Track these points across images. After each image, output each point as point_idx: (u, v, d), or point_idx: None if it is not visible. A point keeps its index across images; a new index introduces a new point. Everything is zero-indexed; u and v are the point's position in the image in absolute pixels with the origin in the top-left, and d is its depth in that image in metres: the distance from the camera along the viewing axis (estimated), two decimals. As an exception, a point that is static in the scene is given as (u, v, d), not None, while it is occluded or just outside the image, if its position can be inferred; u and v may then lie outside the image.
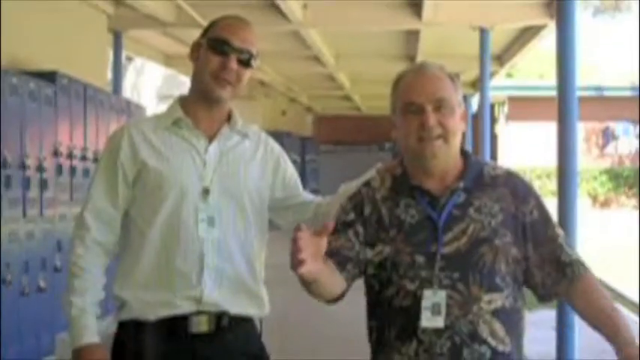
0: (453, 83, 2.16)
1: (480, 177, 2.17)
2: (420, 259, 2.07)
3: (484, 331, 2.04)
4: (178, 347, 2.31)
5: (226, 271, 2.34)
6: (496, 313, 2.06)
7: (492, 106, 19.86)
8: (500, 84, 17.37)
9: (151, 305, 2.30)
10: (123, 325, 2.37)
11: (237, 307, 2.36)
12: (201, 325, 2.31)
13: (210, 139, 2.39)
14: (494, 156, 19.96)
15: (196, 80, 2.40)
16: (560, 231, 2.19)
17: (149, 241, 2.32)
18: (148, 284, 2.31)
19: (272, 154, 2.50)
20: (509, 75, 18.68)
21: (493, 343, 2.05)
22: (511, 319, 2.10)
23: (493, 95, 13.35)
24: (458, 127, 2.13)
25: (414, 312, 2.05)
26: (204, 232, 2.32)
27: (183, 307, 2.30)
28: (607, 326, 2.05)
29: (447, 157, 2.13)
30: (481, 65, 9.05)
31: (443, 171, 2.14)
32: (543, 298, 2.18)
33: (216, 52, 2.34)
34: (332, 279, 2.08)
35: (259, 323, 2.46)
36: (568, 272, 2.13)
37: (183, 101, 2.43)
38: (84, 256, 2.32)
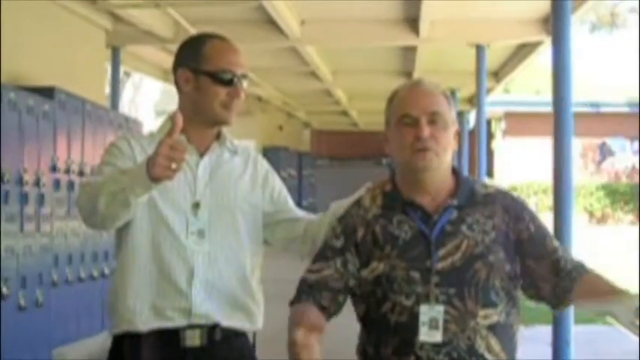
0: (447, 100, 2.19)
1: (472, 194, 2.18)
2: (415, 274, 2.07)
3: (481, 347, 2.05)
4: None
5: (216, 283, 2.36)
6: (492, 329, 2.07)
7: (489, 122, 19.96)
8: (497, 100, 17.40)
9: (143, 315, 2.31)
10: (117, 340, 2.38)
11: (228, 319, 2.37)
12: (194, 339, 2.33)
13: (201, 154, 2.42)
14: (490, 172, 19.98)
15: (200, 107, 2.40)
16: (557, 241, 2.21)
17: (141, 252, 2.34)
18: (140, 294, 2.33)
19: (261, 170, 2.53)
20: (506, 91, 18.70)
21: (490, 358, 2.06)
22: (506, 334, 2.11)
23: (490, 111, 13.39)
24: (450, 143, 2.15)
25: (410, 328, 2.05)
26: (194, 245, 2.34)
27: (175, 320, 2.32)
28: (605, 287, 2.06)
29: (438, 171, 2.15)
30: (478, 81, 9.08)
31: (434, 187, 2.16)
32: (557, 307, 2.18)
33: (224, 84, 2.37)
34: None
35: (252, 337, 2.47)
36: (574, 275, 2.13)
37: None
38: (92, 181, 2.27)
